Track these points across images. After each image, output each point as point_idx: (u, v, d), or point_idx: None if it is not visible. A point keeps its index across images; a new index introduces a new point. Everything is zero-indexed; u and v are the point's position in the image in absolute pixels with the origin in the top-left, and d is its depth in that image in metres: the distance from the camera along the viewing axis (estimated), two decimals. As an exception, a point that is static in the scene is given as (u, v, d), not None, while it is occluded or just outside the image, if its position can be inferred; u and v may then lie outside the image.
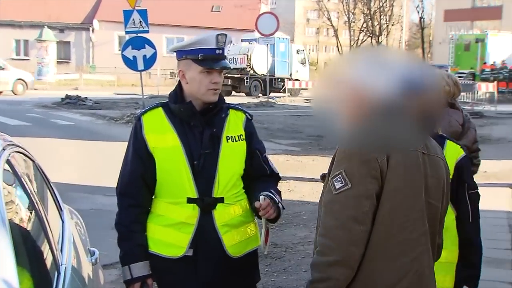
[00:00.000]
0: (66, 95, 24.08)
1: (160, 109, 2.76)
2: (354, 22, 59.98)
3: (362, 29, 59.45)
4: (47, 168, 3.17)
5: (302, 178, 9.30)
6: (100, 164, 10.82)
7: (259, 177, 2.84)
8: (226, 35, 2.71)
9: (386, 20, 59.22)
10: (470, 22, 43.41)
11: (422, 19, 61.38)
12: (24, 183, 2.30)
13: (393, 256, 1.93)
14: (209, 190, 2.68)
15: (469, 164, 2.75)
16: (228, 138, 2.74)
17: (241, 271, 2.77)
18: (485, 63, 32.33)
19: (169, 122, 2.71)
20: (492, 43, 32.73)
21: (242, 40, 32.93)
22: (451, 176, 2.54)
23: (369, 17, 58.31)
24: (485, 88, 23.64)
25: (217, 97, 2.74)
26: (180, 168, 2.66)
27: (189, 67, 2.71)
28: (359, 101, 2.04)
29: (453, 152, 2.67)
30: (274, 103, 25.50)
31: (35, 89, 32.32)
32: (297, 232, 6.81)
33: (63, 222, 2.95)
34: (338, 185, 1.92)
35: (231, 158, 2.74)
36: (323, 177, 2.09)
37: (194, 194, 2.66)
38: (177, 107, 2.72)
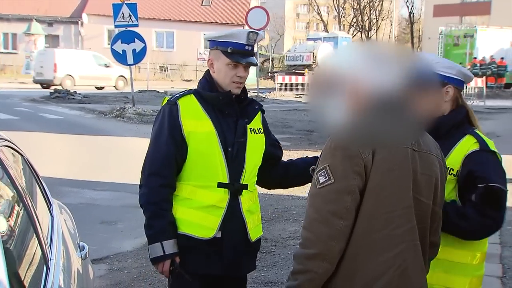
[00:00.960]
0: (55, 89, 23.94)
1: (192, 96, 2.86)
2: (344, 17, 60.11)
3: (352, 24, 59.56)
4: (36, 162, 3.15)
5: (292, 172, 9.29)
6: (89, 158, 10.79)
7: (277, 162, 3.09)
8: (257, 33, 2.87)
9: (375, 15, 59.40)
10: (459, 17, 43.60)
11: (411, 14, 61.56)
12: (13, 177, 2.28)
13: (376, 251, 1.93)
14: (238, 177, 2.81)
15: (482, 157, 2.52)
16: (251, 130, 2.89)
17: (253, 254, 2.97)
18: (475, 58, 32.50)
19: (203, 109, 2.81)
20: (481, 38, 32.89)
21: (307, 39, 36.53)
22: (456, 172, 2.52)
23: (359, 11, 58.44)
24: (474, 83, 23.75)
25: (240, 91, 2.87)
26: (214, 153, 2.77)
27: (218, 58, 2.84)
28: (356, 96, 2.03)
29: (463, 148, 2.55)
30: (264, 97, 25.50)
31: (22, 82, 32.20)
32: (287, 226, 6.82)
33: (52, 216, 2.93)
34: (322, 179, 1.94)
35: (255, 149, 2.90)
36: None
37: (225, 179, 2.78)
38: (215, 95, 2.83)
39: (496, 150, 2.58)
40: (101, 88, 29.48)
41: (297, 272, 1.96)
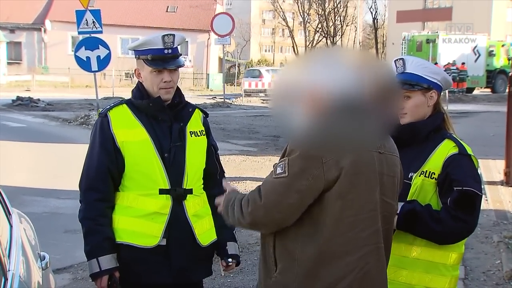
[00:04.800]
0: (17, 96, 23.52)
1: (125, 105, 2.83)
2: (309, 22, 60.53)
3: (317, 29, 60.04)
4: (-4, 171, 3.09)
5: (258, 178, 9.31)
6: (53, 166, 10.62)
7: (210, 175, 2.97)
8: (173, 35, 2.80)
9: (340, 21, 59.99)
10: (422, 22, 44.34)
11: (375, 20, 62.35)
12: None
13: (340, 254, 1.96)
14: (179, 182, 2.77)
15: (461, 161, 2.57)
16: (191, 133, 2.85)
17: (205, 260, 2.92)
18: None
19: (136, 117, 2.78)
20: (442, 44, 33.44)
21: None
22: (438, 176, 2.55)
23: (323, 17, 58.94)
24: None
25: (171, 96, 2.83)
26: (151, 160, 2.74)
27: (142, 67, 2.82)
28: (316, 101, 2.04)
29: (443, 152, 2.59)
30: (231, 103, 25.50)
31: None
32: (253, 232, 6.80)
33: (11, 226, 2.88)
34: (278, 170, 1.98)
35: (196, 152, 2.86)
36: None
37: (166, 185, 2.74)
38: (146, 102, 2.79)
39: (472, 154, 2.63)
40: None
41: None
